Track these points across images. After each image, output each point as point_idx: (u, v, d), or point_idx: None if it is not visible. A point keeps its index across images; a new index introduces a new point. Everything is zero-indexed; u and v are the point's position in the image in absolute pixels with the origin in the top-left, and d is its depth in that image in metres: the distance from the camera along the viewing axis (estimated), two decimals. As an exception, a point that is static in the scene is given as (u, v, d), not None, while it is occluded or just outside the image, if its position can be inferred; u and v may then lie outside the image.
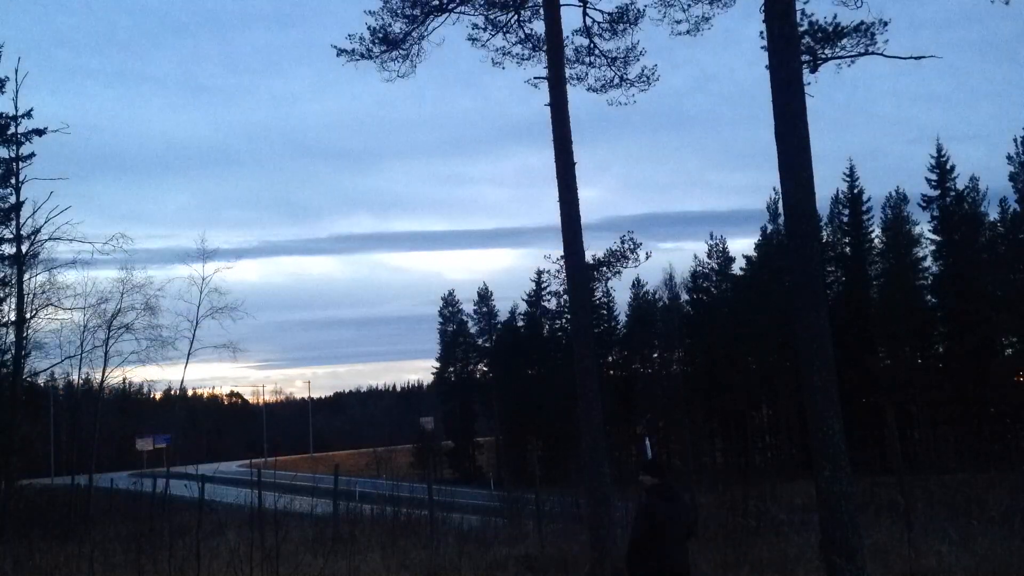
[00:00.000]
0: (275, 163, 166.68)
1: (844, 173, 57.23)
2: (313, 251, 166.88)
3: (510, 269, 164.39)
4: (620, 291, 73.17)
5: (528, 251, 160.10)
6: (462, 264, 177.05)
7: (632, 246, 16.36)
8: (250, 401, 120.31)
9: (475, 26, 16.94)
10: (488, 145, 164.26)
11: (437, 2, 16.14)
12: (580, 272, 15.12)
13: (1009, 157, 50.79)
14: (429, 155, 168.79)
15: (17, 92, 26.35)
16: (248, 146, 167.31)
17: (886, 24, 11.96)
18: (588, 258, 15.78)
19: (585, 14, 16.75)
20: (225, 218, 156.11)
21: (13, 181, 26.63)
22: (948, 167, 53.64)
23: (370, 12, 16.14)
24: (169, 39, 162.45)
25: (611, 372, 65.90)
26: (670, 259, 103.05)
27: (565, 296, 16.12)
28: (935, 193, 53.69)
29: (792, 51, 10.54)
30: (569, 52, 16.66)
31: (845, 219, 57.35)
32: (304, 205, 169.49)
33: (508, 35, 17.07)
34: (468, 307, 77.52)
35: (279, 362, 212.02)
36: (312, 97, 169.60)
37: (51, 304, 27.71)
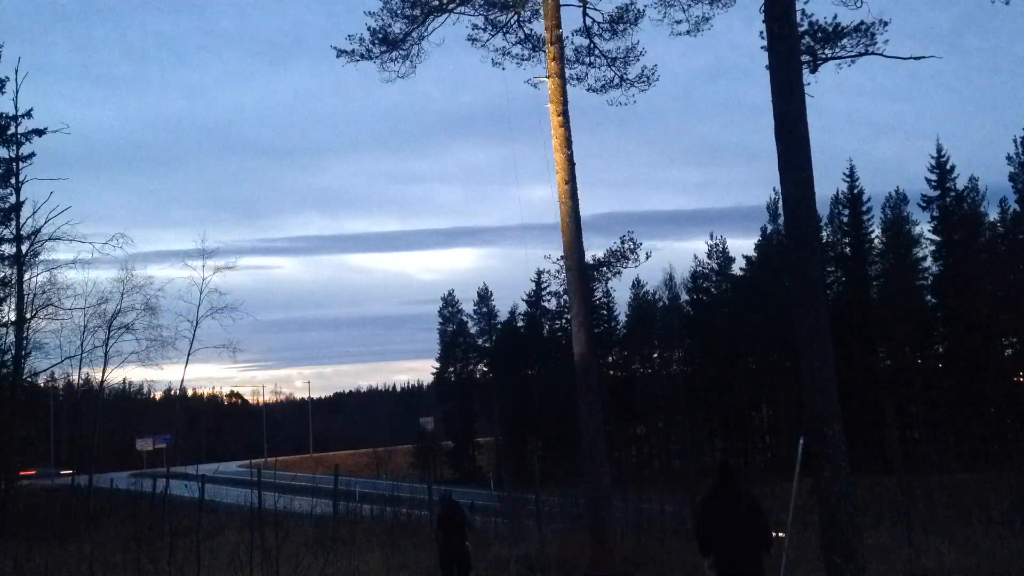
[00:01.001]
0: (203, 159, 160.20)
1: (844, 173, 57.25)
2: (271, 252, 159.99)
3: (473, 269, 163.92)
4: (620, 291, 73.27)
5: (492, 251, 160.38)
6: (424, 264, 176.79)
7: (632, 246, 16.39)
8: (250, 401, 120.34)
9: (475, 26, 16.98)
10: (426, 140, 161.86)
11: (437, 2, 16.16)
12: (580, 272, 15.13)
13: (1009, 157, 50.79)
14: (368, 150, 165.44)
15: (17, 92, 26.39)
16: (167, 141, 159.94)
17: (886, 24, 11.98)
18: (588, 258, 15.80)
19: (585, 14, 16.77)
20: (168, 218, 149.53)
21: (13, 181, 26.64)
22: (948, 167, 53.62)
23: (370, 13, 16.16)
24: (58, 25, 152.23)
25: (611, 372, 65.86)
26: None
27: (565, 296, 16.15)
28: (935, 193, 53.68)
29: (792, 51, 10.54)
30: (569, 52, 16.69)
31: (845, 219, 57.31)
32: (248, 204, 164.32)
33: (508, 35, 17.10)
34: (463, 307, 77.71)
35: (271, 362, 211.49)
36: (225, 89, 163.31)
37: (51, 304, 27.72)
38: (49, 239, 26.72)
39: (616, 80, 17.16)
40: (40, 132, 26.82)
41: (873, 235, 56.92)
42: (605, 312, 68.32)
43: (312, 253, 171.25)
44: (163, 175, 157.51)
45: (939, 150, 53.91)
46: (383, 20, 16.23)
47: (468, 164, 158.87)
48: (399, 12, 16.19)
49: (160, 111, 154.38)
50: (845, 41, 12.03)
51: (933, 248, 54.48)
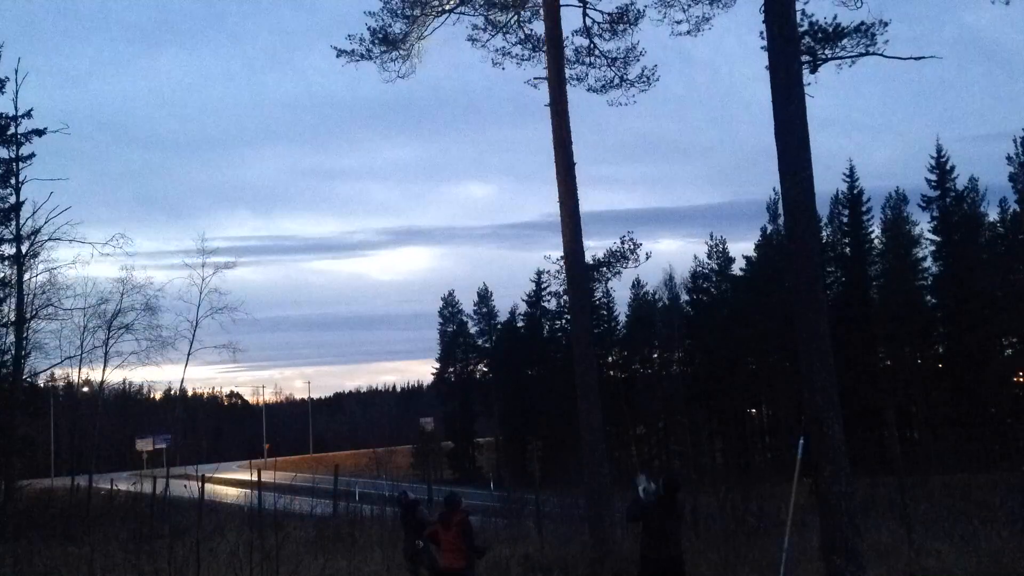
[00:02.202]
0: (101, 153, 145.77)
1: (844, 173, 57.22)
2: (220, 254, 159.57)
3: (430, 269, 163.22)
4: (620, 291, 73.31)
5: (444, 250, 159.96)
6: (380, 264, 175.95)
7: (632, 246, 16.39)
8: (250, 401, 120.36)
9: (475, 26, 16.97)
10: (339, 134, 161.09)
11: (437, 2, 16.15)
12: (580, 273, 15.13)
13: (1009, 157, 50.77)
14: (280, 143, 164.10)
15: (17, 92, 26.36)
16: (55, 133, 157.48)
17: (886, 24, 11.97)
18: (588, 258, 15.80)
19: (585, 14, 16.77)
20: (93, 217, 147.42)
21: (13, 181, 26.62)
22: (948, 167, 53.62)
23: (370, 13, 16.16)
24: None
25: (611, 372, 65.84)
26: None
27: (565, 296, 16.14)
28: (935, 193, 53.67)
29: (792, 51, 10.54)
30: (569, 52, 16.69)
31: (845, 219, 57.29)
32: (170, 202, 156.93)
33: (508, 35, 17.10)
34: (463, 307, 77.71)
35: (270, 362, 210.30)
36: (104, 76, 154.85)
37: (51, 304, 27.69)
38: (49, 239, 26.72)
39: (616, 80, 17.17)
40: (40, 132, 26.80)
41: (873, 235, 56.95)
42: (605, 312, 68.29)
43: (260, 255, 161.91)
44: (66, 169, 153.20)
45: (939, 150, 53.96)
46: (383, 20, 16.24)
47: (397, 160, 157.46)
48: (399, 12, 16.20)
49: (38, 98, 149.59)
50: (845, 41, 12.02)
51: (933, 248, 54.49)
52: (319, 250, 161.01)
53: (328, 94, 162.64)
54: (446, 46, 17.09)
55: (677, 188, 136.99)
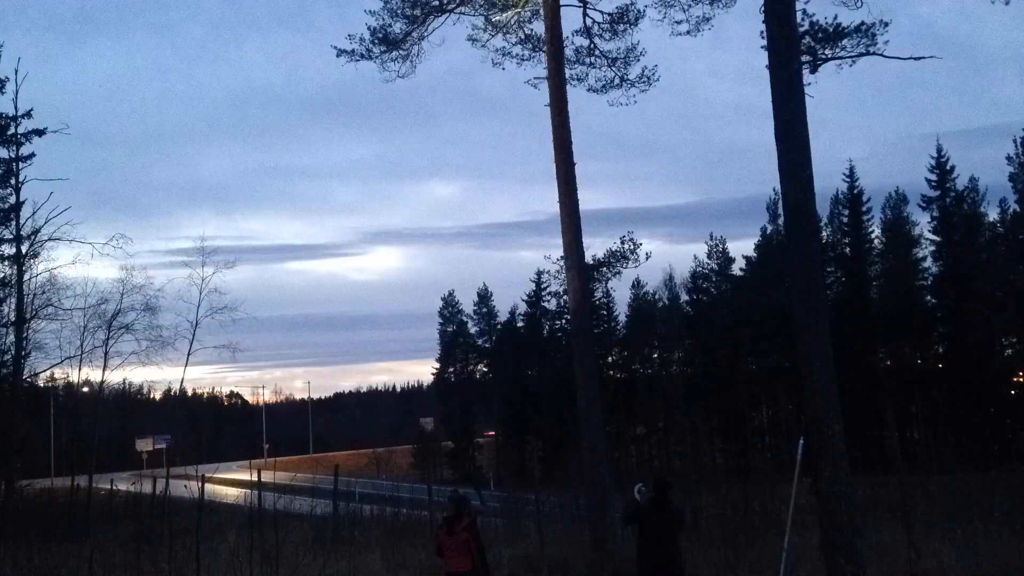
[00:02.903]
0: (40, 149, 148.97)
1: (844, 173, 57.26)
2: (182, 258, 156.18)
3: (401, 269, 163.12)
4: (620, 291, 73.29)
5: (416, 250, 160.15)
6: (352, 265, 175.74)
7: (632, 246, 16.39)
8: (250, 401, 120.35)
9: (475, 26, 16.97)
10: (288, 129, 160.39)
11: (437, 2, 16.15)
12: (580, 273, 15.12)
13: (1009, 157, 50.82)
14: (227, 139, 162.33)
15: (17, 92, 26.36)
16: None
17: (887, 24, 11.98)
18: (588, 259, 15.80)
19: (585, 14, 16.77)
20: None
21: (13, 181, 26.64)
22: (948, 167, 53.64)
23: (370, 12, 16.16)
24: None
25: (611, 372, 65.83)
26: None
27: (565, 296, 16.13)
28: (935, 193, 53.68)
29: (792, 51, 10.53)
30: (569, 52, 16.68)
31: (845, 219, 57.31)
32: (126, 201, 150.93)
33: (508, 35, 17.09)
34: (463, 307, 77.70)
35: (270, 362, 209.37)
36: (29, 69, 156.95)
37: (51, 304, 27.68)
38: (49, 239, 26.72)
39: (616, 80, 17.17)
40: (40, 132, 26.82)
41: (873, 235, 56.97)
42: (605, 312, 68.30)
43: (228, 255, 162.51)
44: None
45: (939, 150, 53.97)
46: (383, 20, 16.24)
47: (353, 158, 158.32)
48: (399, 12, 16.19)
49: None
50: (845, 41, 12.03)
51: (933, 248, 54.52)
52: (291, 251, 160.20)
53: (268, 87, 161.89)
54: (446, 46, 17.10)
55: (647, 187, 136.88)
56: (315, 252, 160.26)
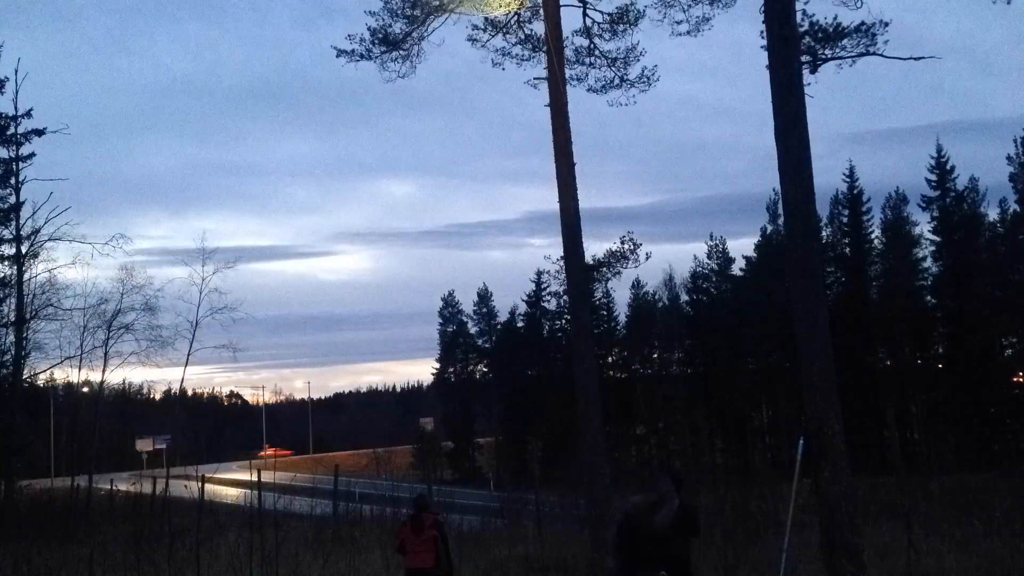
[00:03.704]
0: None
1: (844, 173, 57.19)
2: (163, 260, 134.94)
3: (371, 270, 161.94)
4: (620, 291, 73.27)
5: (384, 251, 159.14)
6: (320, 265, 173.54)
7: (632, 247, 16.40)
8: (250, 402, 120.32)
9: (475, 27, 16.96)
10: (220, 124, 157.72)
11: (437, 2, 16.13)
12: (580, 273, 15.13)
13: (1009, 157, 50.76)
14: (161, 133, 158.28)
15: (17, 92, 26.44)
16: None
17: (886, 24, 11.97)
18: (588, 259, 15.81)
19: (585, 15, 16.77)
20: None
21: (13, 181, 26.67)
22: (948, 167, 53.59)
23: (371, 12, 16.15)
24: None
25: (611, 372, 65.83)
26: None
27: (565, 296, 16.16)
28: (935, 193, 53.65)
29: (792, 51, 10.53)
30: (569, 52, 16.68)
31: (845, 219, 57.26)
32: (70, 198, 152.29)
33: (508, 36, 17.09)
34: (463, 308, 77.65)
35: (271, 362, 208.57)
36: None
37: (51, 304, 27.70)
38: (49, 239, 26.75)
39: (616, 80, 17.17)
40: (40, 132, 26.87)
41: (873, 235, 56.91)
42: (605, 312, 68.27)
43: (191, 256, 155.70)
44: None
45: (939, 150, 53.91)
46: (383, 20, 16.23)
47: (299, 155, 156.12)
48: (399, 12, 16.18)
49: None
50: (845, 41, 12.03)
51: (933, 248, 54.45)
52: (255, 253, 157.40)
53: (189, 79, 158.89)
54: (446, 46, 17.09)
55: (606, 187, 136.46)
56: (278, 253, 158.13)
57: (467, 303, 77.75)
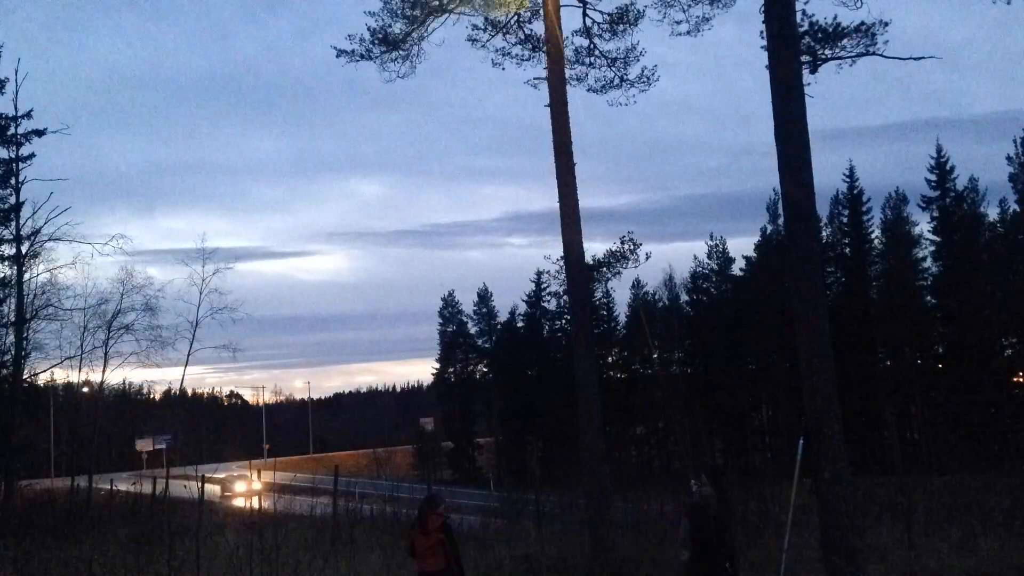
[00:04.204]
0: None
1: (844, 173, 57.22)
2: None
3: (347, 269, 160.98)
4: (620, 291, 73.32)
5: (361, 251, 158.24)
6: (295, 265, 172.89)
7: (632, 247, 16.39)
8: (250, 402, 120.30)
9: (475, 27, 16.95)
10: (171, 119, 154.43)
11: (437, 2, 16.13)
12: (580, 273, 15.12)
13: (1009, 158, 50.78)
14: (111, 129, 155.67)
15: (17, 93, 26.43)
16: None
17: (886, 24, 11.95)
18: (588, 259, 15.80)
19: (585, 15, 16.76)
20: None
21: (13, 181, 26.67)
22: (948, 167, 53.61)
23: (370, 13, 16.15)
24: None
25: (611, 372, 65.84)
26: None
27: (565, 297, 16.14)
28: (935, 193, 53.66)
29: (792, 51, 10.53)
30: (569, 53, 16.67)
31: (845, 219, 57.30)
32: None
33: (508, 36, 17.07)
34: (463, 308, 77.67)
35: (271, 362, 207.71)
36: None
37: (51, 304, 27.70)
38: (49, 239, 26.75)
39: (616, 81, 17.15)
40: (40, 132, 26.87)
41: (873, 235, 56.93)
42: (605, 312, 68.29)
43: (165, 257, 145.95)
44: None
45: (939, 150, 53.93)
46: (383, 20, 16.23)
47: (259, 153, 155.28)
48: (399, 12, 16.18)
49: None
50: (845, 41, 12.00)
51: (933, 248, 54.47)
52: (230, 253, 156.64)
53: (132, 74, 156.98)
54: (445, 46, 17.09)
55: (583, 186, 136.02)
56: (254, 253, 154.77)
57: (467, 303, 77.92)
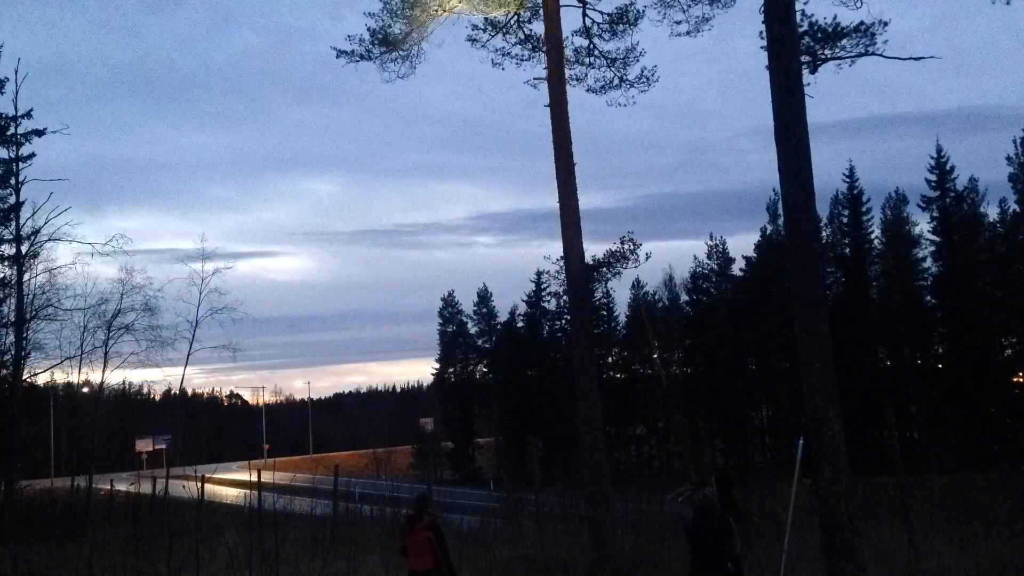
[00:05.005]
0: None
1: (844, 173, 57.24)
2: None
3: (316, 269, 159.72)
4: (620, 291, 73.30)
5: (321, 251, 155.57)
6: (263, 265, 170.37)
7: (632, 247, 16.37)
8: (250, 402, 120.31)
9: (475, 27, 16.95)
10: (92, 113, 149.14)
11: (437, 3, 16.12)
12: (580, 273, 15.11)
13: (1009, 158, 50.78)
14: (42, 121, 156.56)
15: (17, 93, 26.34)
16: None
17: (886, 24, 11.95)
18: (588, 259, 15.79)
19: (585, 15, 16.75)
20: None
21: (13, 181, 26.62)
22: (948, 167, 53.62)
23: (370, 14, 16.14)
24: None
25: (611, 372, 65.87)
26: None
27: (565, 297, 16.12)
28: (935, 194, 53.67)
29: (792, 51, 10.52)
30: (569, 53, 16.65)
31: (845, 219, 57.31)
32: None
33: (508, 36, 17.06)
34: (463, 308, 77.69)
35: (270, 362, 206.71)
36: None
37: (51, 304, 27.66)
38: (49, 239, 26.71)
39: (616, 81, 17.14)
40: (40, 132, 26.81)
41: (873, 235, 56.95)
42: (605, 312, 68.32)
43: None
44: None
45: (939, 150, 53.93)
46: (383, 20, 16.21)
47: (204, 150, 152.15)
48: (399, 12, 16.16)
49: None
50: (845, 41, 12.00)
51: (933, 248, 54.49)
52: (191, 254, 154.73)
53: (41, 66, 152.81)
54: (445, 46, 17.08)
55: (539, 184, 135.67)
56: (214, 253, 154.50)
57: (467, 303, 77.92)
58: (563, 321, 65.50)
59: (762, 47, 11.02)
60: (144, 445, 71.87)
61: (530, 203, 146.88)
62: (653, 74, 17.03)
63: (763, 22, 10.82)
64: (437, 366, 79.09)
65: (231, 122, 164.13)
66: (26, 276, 26.72)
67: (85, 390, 43.18)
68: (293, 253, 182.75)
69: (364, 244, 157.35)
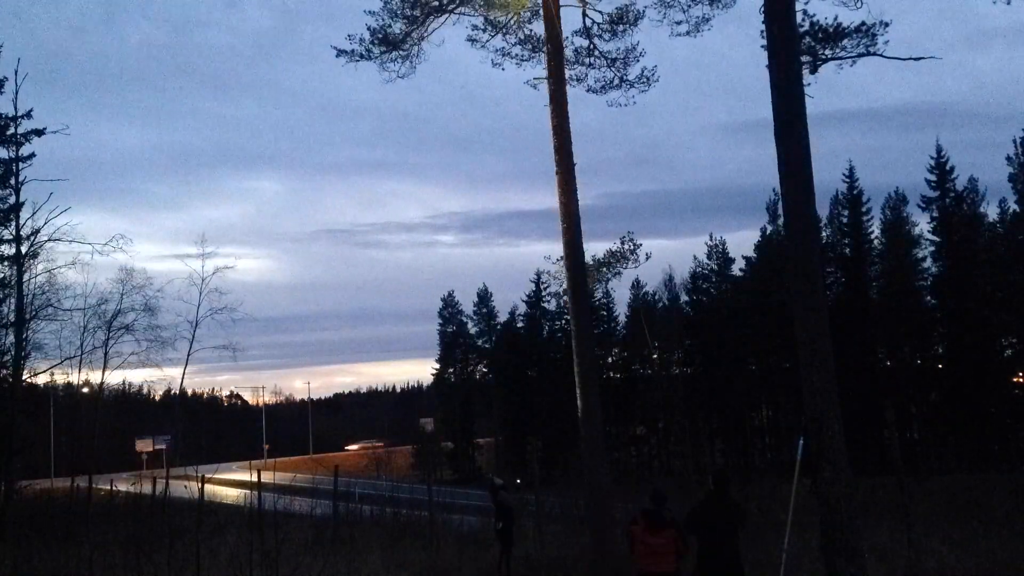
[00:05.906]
0: None
1: (844, 173, 57.19)
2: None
3: (282, 271, 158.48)
4: (620, 291, 73.24)
5: (278, 251, 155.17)
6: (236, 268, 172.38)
7: (632, 247, 16.38)
8: (250, 402, 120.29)
9: (475, 27, 16.95)
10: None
11: (437, 3, 16.13)
12: (580, 273, 15.12)
13: (1009, 158, 50.76)
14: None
15: (17, 93, 26.39)
16: None
17: (887, 25, 11.94)
18: (588, 259, 15.80)
19: (585, 15, 16.75)
20: None
21: (13, 182, 26.64)
22: (948, 168, 53.58)
23: (370, 12, 16.14)
24: None
25: (611, 372, 65.85)
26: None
27: (565, 297, 16.13)
28: (935, 194, 53.64)
29: (792, 52, 10.52)
30: (569, 53, 16.66)
31: (845, 219, 57.28)
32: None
33: (508, 36, 17.07)
34: (463, 308, 77.66)
35: (271, 362, 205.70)
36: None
37: (51, 305, 27.69)
38: (49, 240, 26.74)
39: (616, 81, 17.14)
40: (40, 132, 26.84)
41: (873, 235, 56.92)
42: (605, 312, 68.31)
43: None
44: None
45: (939, 150, 53.89)
46: (383, 20, 16.22)
47: (130, 147, 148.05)
48: (399, 12, 16.17)
49: None
50: (845, 42, 11.99)
51: (933, 248, 54.45)
52: (145, 257, 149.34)
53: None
54: (445, 46, 17.08)
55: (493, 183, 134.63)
56: (168, 254, 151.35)
57: (467, 303, 77.90)
58: (563, 321, 65.47)
59: (762, 47, 11.03)
60: (144, 445, 71.80)
61: (486, 203, 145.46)
62: (653, 74, 17.05)
63: (763, 22, 10.83)
64: (437, 366, 79.12)
65: (148, 115, 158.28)
66: (26, 276, 26.77)
67: (85, 390, 43.25)
68: (251, 255, 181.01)
69: (323, 243, 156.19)
